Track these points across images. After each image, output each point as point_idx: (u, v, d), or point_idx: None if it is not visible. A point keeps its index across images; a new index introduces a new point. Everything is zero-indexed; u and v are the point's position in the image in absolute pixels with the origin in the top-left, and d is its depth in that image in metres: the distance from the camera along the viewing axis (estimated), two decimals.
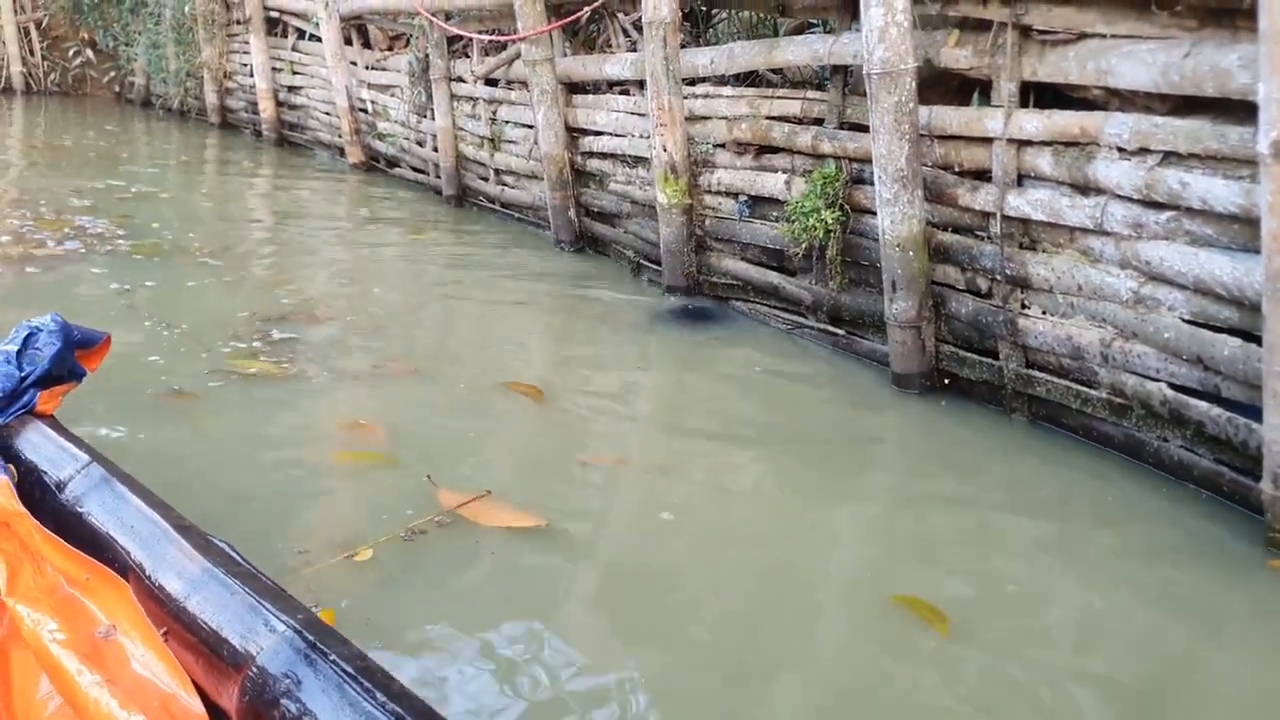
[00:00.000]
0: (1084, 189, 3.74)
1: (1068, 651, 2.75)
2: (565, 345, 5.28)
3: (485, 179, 7.89)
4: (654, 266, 6.00)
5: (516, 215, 7.66)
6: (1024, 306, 4.04)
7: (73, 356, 2.18)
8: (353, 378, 4.43)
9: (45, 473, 1.97)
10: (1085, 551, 3.27)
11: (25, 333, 2.14)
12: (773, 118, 5.12)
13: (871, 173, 4.31)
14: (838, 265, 4.72)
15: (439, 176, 8.40)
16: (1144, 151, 3.50)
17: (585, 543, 3.21)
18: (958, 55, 4.10)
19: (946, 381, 4.39)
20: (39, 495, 1.94)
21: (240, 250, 6.70)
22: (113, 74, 15.21)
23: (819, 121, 4.89)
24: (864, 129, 4.48)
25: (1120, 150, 3.58)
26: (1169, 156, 3.44)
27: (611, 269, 6.43)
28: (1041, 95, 3.91)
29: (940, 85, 4.31)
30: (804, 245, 4.77)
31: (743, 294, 5.48)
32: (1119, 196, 3.61)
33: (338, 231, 7.57)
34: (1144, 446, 3.69)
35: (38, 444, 2.04)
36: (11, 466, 1.99)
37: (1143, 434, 3.69)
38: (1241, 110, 3.18)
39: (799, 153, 4.98)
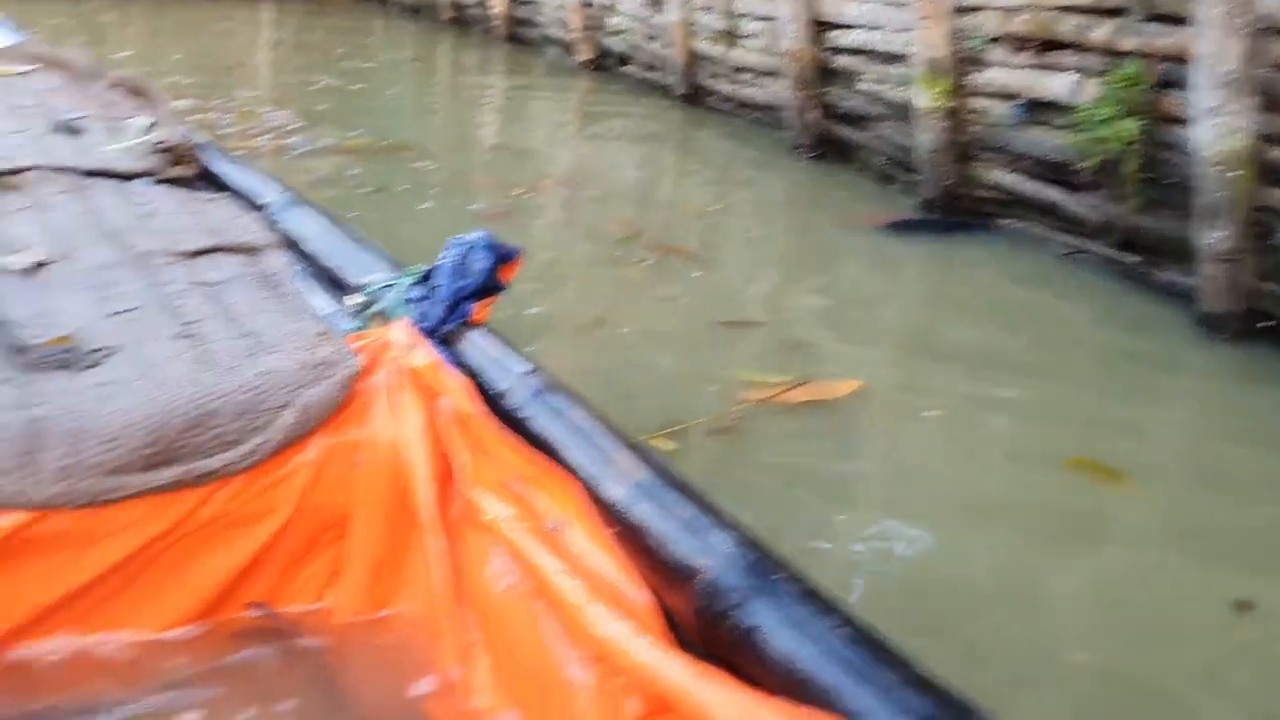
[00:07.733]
0: None
1: None
2: (796, 264, 4.81)
3: (719, 76, 7.42)
4: (905, 176, 5.43)
5: (752, 116, 7.17)
6: None
7: (496, 270, 2.29)
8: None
9: (489, 379, 2.05)
10: None
11: (464, 249, 2.26)
12: (1060, 8, 4.41)
13: (1185, 75, 3.61)
14: (1136, 183, 4.05)
15: (671, 74, 7.98)
16: None
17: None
18: None
19: (1267, 327, 3.70)
20: (483, 399, 2.05)
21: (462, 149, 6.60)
22: None
23: (1119, 12, 4.16)
24: (1179, 20, 3.76)
25: None
26: None
27: (855, 178, 5.89)
28: None
29: None
30: (1095, 159, 4.10)
31: (1012, 211, 4.85)
32: None
33: (554, 131, 7.33)
34: None
35: (480, 352, 2.14)
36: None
37: None
38: None
39: (1091, 49, 4.27)
